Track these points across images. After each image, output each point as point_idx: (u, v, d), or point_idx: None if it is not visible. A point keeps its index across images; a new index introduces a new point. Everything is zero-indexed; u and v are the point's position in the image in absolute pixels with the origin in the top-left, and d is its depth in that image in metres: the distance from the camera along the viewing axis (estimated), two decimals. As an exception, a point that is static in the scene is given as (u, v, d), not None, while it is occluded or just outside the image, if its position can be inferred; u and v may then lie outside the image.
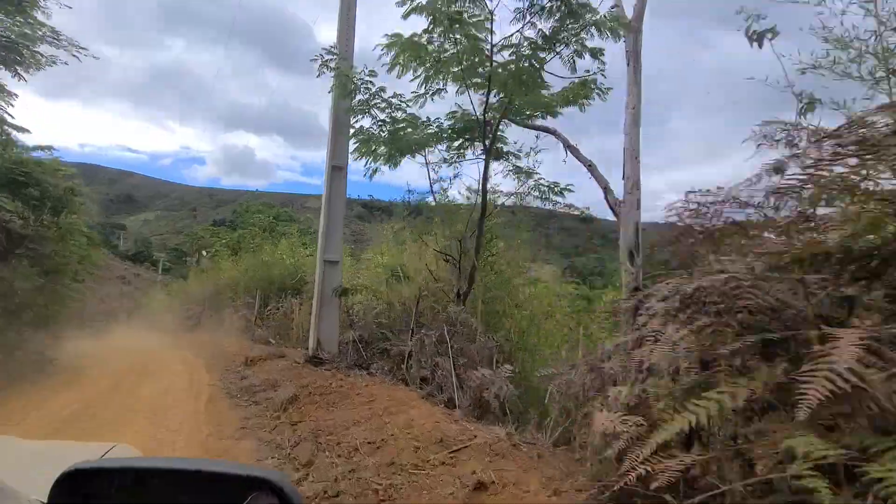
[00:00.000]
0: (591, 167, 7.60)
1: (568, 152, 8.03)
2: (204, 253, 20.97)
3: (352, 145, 7.59)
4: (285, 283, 14.78)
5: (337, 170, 7.80)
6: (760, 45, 4.12)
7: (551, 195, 7.35)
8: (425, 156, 7.24)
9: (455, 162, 7.43)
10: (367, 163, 8.11)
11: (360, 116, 7.08)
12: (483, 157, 6.66)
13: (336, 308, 7.60)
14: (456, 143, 7.32)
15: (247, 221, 20.23)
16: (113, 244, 63.79)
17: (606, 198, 7.59)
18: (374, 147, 7.22)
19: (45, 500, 0.69)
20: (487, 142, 6.55)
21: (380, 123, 6.95)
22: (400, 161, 7.63)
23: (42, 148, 10.73)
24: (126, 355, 11.30)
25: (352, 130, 7.75)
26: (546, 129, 7.60)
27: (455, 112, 6.94)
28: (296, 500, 0.65)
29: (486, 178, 6.54)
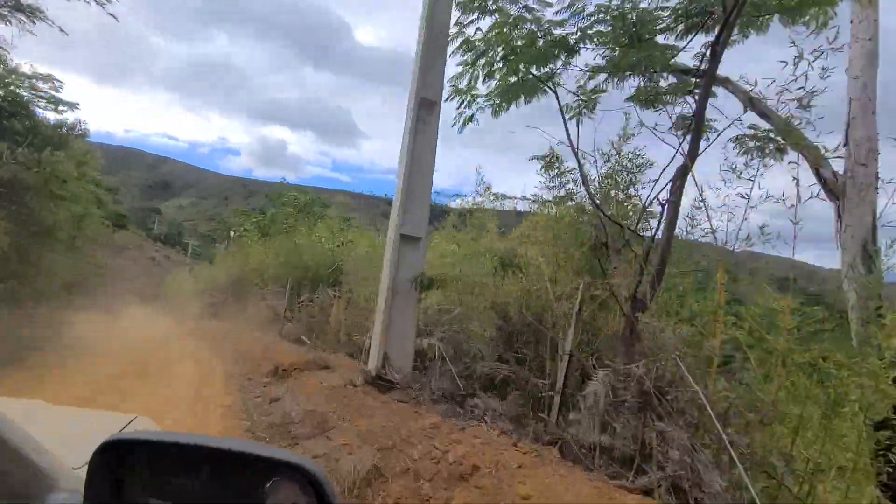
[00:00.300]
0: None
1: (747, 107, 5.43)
2: (232, 233, 19.01)
3: (453, 69, 5.18)
4: (320, 272, 12.54)
5: (427, 105, 5.34)
6: None
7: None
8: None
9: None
10: (461, 103, 5.68)
11: (474, 16, 4.66)
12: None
13: (412, 307, 5.13)
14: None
15: (279, 201, 18.18)
16: (148, 227, 64.27)
17: (818, 172, 4.97)
18: (491, 67, 4.78)
19: (75, 466, 0.76)
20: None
21: (503, 27, 4.49)
22: (519, 96, 5.15)
23: (45, 78, 8.92)
24: (128, 346, 9.20)
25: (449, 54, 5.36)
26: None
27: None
28: (328, 489, 0.63)
29: (707, 90, 3.90)
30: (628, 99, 4.87)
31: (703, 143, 4.32)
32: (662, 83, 4.79)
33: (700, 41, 4.27)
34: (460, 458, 2.94)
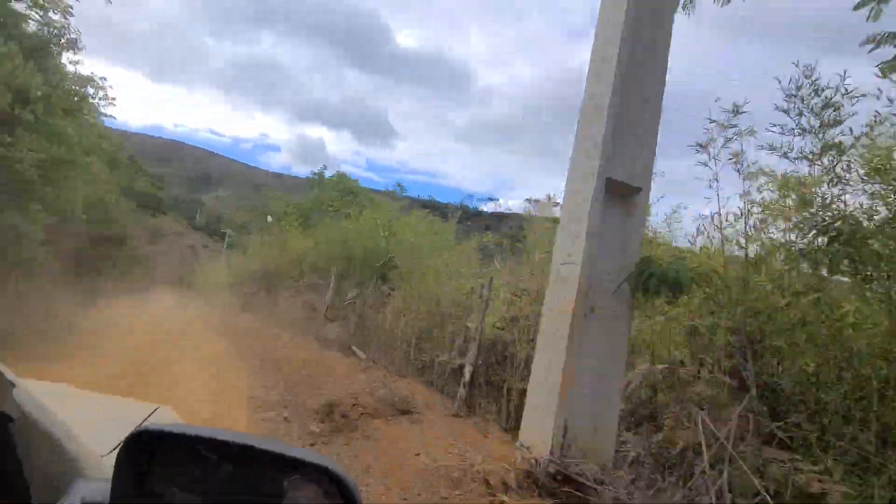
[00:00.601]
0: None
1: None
2: (269, 218, 16.98)
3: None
4: (369, 263, 10.28)
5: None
6: None
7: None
8: None
9: None
10: None
11: None
12: None
13: (622, 333, 2.65)
14: None
15: (325, 185, 16.15)
16: (191, 216, 65.34)
17: None
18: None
19: (101, 453, 0.81)
20: None
21: None
22: None
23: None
24: (137, 344, 7.28)
25: None
26: None
27: None
28: (355, 493, 0.62)
29: None
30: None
31: None
32: None
33: None
34: None
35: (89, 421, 1.05)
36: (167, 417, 1.39)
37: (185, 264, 34.21)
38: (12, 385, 0.69)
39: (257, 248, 17.15)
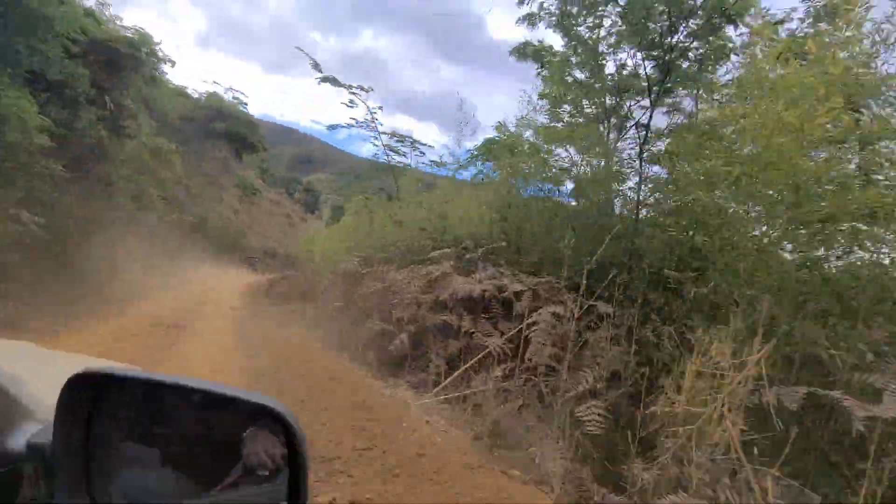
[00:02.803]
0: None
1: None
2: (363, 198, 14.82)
3: None
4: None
5: None
6: None
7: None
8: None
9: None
10: None
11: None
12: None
13: None
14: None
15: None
16: (290, 192, 70.90)
17: None
18: None
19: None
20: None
21: None
22: None
23: None
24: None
25: None
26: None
27: None
28: (296, 429, 0.62)
29: None
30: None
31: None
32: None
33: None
34: None
35: (51, 375, 0.90)
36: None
37: (285, 232, 35.28)
38: None
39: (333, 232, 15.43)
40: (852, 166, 3.44)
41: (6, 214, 6.77)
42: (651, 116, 5.75)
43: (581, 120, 6.70)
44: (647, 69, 5.61)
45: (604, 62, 6.13)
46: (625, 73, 6.11)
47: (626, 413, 3.32)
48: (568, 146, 6.43)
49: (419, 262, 6.45)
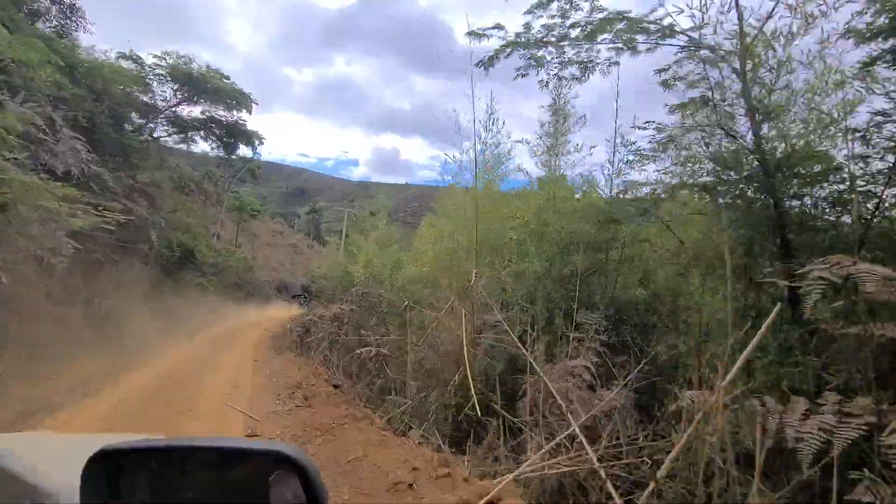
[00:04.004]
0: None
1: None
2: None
3: None
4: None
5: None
6: None
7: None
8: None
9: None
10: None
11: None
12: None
13: None
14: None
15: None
16: (290, 224, 79.54)
17: None
18: None
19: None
20: None
21: None
22: None
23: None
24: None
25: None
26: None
27: None
28: (312, 473, 0.67)
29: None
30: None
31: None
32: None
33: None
34: None
35: (63, 458, 1.08)
36: None
37: (295, 265, 34.26)
38: None
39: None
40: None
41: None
42: None
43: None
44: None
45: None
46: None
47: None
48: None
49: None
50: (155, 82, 14.29)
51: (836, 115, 3.88)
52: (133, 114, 13.19)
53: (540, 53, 5.67)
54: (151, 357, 8.16)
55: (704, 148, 4.75)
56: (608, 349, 4.66)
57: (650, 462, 2.96)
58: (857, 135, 3.69)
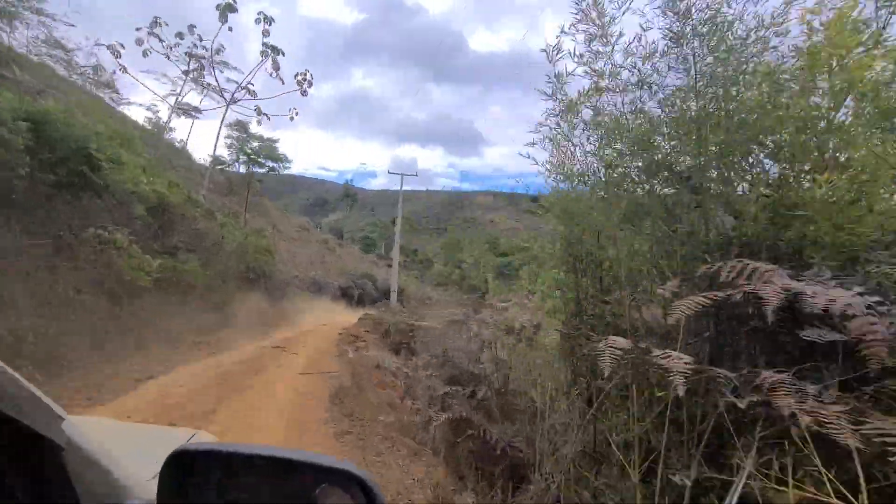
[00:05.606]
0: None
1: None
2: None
3: None
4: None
5: None
6: None
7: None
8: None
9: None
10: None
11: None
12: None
13: None
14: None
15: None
16: (316, 225, 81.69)
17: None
18: None
19: (147, 477, 0.83)
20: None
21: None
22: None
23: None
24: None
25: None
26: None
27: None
28: (376, 492, 0.69)
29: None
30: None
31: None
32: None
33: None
34: None
35: (133, 448, 1.14)
36: (205, 440, 1.46)
37: (325, 263, 30.84)
38: (61, 418, 0.74)
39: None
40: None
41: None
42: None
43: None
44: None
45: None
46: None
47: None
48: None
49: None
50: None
51: None
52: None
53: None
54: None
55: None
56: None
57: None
58: None
